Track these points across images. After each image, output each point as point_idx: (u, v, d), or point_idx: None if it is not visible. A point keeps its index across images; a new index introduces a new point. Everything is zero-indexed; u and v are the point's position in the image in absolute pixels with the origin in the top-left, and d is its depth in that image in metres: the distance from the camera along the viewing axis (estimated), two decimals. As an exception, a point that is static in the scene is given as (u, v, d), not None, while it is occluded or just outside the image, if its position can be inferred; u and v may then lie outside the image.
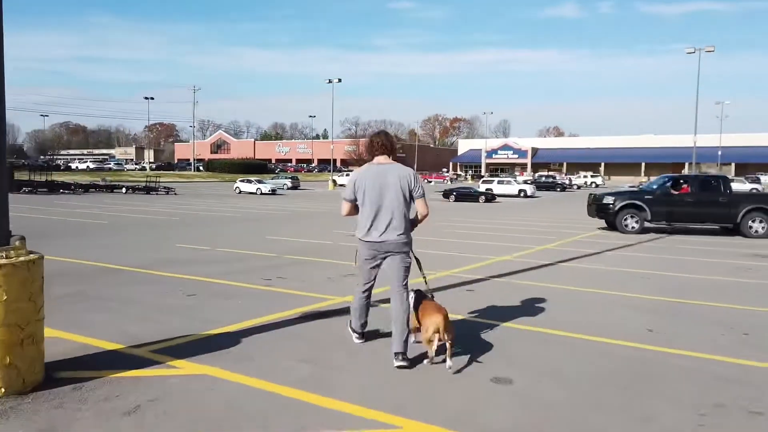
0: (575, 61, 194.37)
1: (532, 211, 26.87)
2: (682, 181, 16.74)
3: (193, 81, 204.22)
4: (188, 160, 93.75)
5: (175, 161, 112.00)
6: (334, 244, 12.01)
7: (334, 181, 56.47)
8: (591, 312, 6.32)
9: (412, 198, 4.49)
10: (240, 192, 43.24)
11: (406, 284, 4.55)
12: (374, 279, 4.68)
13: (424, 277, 4.96)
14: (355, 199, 4.54)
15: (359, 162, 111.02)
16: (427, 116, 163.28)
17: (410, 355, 4.38)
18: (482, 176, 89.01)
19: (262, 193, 41.91)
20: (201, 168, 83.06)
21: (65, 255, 9.49)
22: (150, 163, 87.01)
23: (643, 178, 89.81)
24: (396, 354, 4.32)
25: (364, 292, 4.69)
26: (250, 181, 44.17)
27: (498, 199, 39.71)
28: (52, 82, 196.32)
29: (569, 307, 6.54)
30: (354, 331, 4.86)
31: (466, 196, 38.20)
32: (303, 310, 5.92)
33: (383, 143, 4.57)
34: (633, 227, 15.87)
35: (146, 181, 39.76)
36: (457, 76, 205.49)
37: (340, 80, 56.03)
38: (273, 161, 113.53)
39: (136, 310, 5.80)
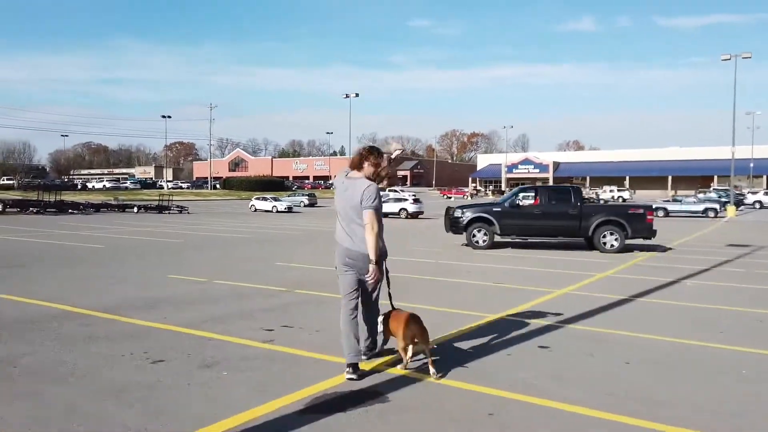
0: (593, 75, 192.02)
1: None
2: (531, 192, 15.80)
3: (213, 100, 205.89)
4: (206, 178, 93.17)
5: (194, 179, 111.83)
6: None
7: (352, 198, 54.75)
8: (735, 391, 4.37)
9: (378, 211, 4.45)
10: (255, 210, 41.78)
11: (377, 297, 4.64)
12: (357, 289, 4.55)
13: (390, 295, 4.79)
14: None
15: (376, 178, 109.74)
16: (445, 132, 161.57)
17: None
18: (503, 191, 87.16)
19: (278, 211, 40.40)
20: (218, 186, 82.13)
21: (28, 293, 7.78)
22: (121, 180, 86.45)
23: (669, 192, 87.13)
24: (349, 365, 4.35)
25: (347, 297, 4.52)
26: (265, 199, 42.72)
27: (524, 215, 37.69)
28: (74, 103, 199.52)
29: (698, 379, 4.59)
30: (348, 364, 4.37)
31: (490, 212, 36.23)
32: (315, 392, 4.04)
33: (355, 158, 4.68)
34: (482, 242, 15.10)
35: (159, 200, 38.45)
36: (473, 91, 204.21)
37: (357, 95, 54.67)
38: (290, 178, 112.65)
39: (68, 396, 3.95)
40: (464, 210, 15.75)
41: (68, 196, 42.86)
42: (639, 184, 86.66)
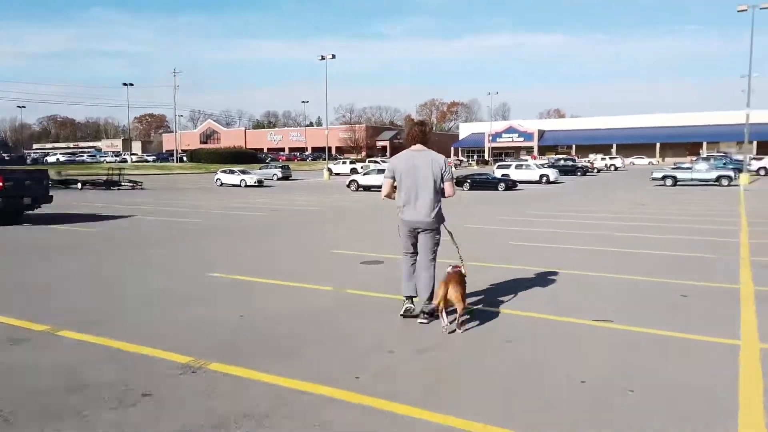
0: (580, 44, 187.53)
1: (578, 199, 20.76)
2: None
3: (191, 72, 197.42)
4: (173, 150, 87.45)
5: (164, 152, 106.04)
6: (347, 300, 5.96)
7: (330, 170, 50.24)
8: None
9: (442, 180, 4.98)
10: (222, 184, 37.20)
11: (434, 258, 5.11)
12: (415, 249, 5.16)
13: (458, 248, 5.20)
14: (395, 178, 5.09)
15: (356, 149, 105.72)
16: (424, 101, 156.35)
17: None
18: (487, 161, 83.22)
19: (246, 185, 35.88)
20: (185, 159, 76.69)
21: None
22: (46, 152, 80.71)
23: (659, 159, 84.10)
24: (421, 312, 5.02)
25: (408, 254, 5.20)
26: (232, 172, 38.07)
27: (518, 185, 33.77)
28: (46, 76, 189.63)
29: None
30: (407, 298, 5.16)
31: (483, 183, 32.28)
32: None
33: (417, 133, 5.10)
34: None
35: (108, 175, 33.59)
36: (451, 62, 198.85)
37: (333, 56, 49.66)
38: (265, 150, 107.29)
39: None
40: None
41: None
42: (626, 152, 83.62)
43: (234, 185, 36.58)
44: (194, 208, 18.98)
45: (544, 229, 12.37)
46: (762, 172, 46.65)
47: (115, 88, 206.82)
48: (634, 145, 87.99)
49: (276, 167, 48.67)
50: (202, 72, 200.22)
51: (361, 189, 31.40)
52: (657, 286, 6.50)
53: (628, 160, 75.83)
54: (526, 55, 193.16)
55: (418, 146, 5.05)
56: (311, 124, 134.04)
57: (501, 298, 5.85)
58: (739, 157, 61.27)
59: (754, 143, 79.51)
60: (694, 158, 61.14)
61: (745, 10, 36.49)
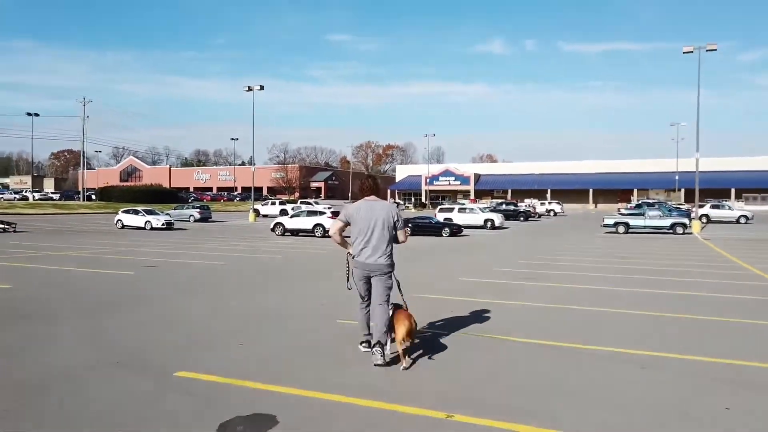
0: (503, 95, 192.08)
1: (539, 247, 17.05)
2: None
3: (122, 109, 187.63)
4: (93, 188, 79.70)
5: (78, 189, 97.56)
6: None
7: (257, 211, 45.30)
8: None
9: (395, 228, 5.42)
10: (123, 226, 31.64)
11: (387, 300, 5.32)
12: (369, 294, 5.43)
13: (402, 296, 5.58)
14: (347, 223, 5.46)
15: (288, 189, 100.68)
16: (360, 143, 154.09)
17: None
18: (424, 204, 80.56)
19: (152, 228, 30.47)
20: (94, 197, 69.24)
21: None
22: None
23: (590, 206, 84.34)
24: (376, 353, 5.12)
25: (364, 306, 5.53)
26: (136, 212, 32.52)
27: (463, 231, 30.29)
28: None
29: None
30: (361, 343, 5.64)
31: (426, 228, 28.52)
32: None
33: (371, 185, 5.56)
34: None
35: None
36: (388, 107, 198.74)
37: (261, 87, 45.42)
38: (191, 189, 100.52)
39: None
40: None
41: None
42: (560, 197, 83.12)
43: (137, 227, 31.11)
44: (41, 262, 13.86)
45: (541, 304, 8.36)
46: (704, 220, 45.43)
47: (22, 116, 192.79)
48: (569, 190, 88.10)
49: (194, 207, 43.20)
50: (133, 108, 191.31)
51: (288, 233, 26.84)
52: None
53: (568, 206, 75.03)
54: (452, 103, 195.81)
55: (372, 196, 5.48)
56: (243, 164, 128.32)
57: None
58: (673, 203, 61.24)
59: (682, 191, 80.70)
60: (629, 205, 60.33)
61: (691, 51, 35.35)
